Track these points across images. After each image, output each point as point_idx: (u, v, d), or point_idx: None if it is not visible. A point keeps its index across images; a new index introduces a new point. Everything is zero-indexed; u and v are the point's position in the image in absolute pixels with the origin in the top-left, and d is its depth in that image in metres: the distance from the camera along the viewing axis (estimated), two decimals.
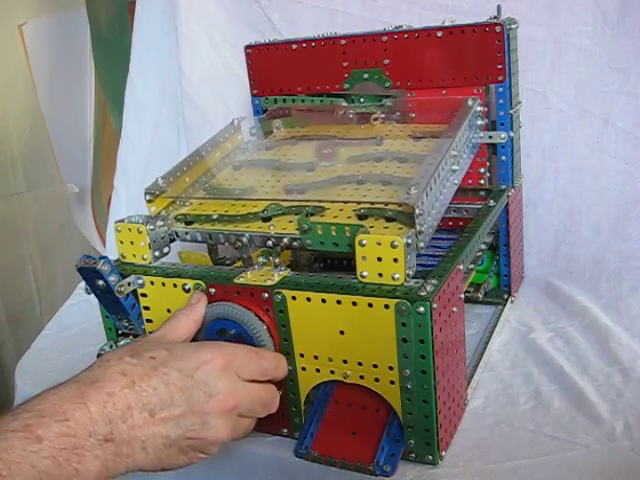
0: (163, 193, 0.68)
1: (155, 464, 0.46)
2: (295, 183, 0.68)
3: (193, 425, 0.47)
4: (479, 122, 0.74)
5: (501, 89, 0.74)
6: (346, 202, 0.61)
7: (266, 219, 0.64)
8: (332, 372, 0.56)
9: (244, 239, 0.62)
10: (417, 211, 0.54)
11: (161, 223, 0.65)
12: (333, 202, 0.61)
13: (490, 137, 0.76)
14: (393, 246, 0.52)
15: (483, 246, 0.77)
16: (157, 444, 0.45)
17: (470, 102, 0.73)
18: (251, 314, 0.56)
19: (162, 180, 0.69)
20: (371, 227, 0.56)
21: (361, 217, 0.59)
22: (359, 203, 0.61)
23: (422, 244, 0.55)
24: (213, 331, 0.57)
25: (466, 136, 0.70)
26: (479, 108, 0.73)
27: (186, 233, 0.66)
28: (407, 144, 0.73)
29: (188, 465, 0.49)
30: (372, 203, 0.60)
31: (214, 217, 0.66)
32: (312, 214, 0.61)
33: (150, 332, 0.63)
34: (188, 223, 0.67)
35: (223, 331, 0.57)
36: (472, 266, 0.72)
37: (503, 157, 0.78)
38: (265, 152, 0.79)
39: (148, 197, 0.68)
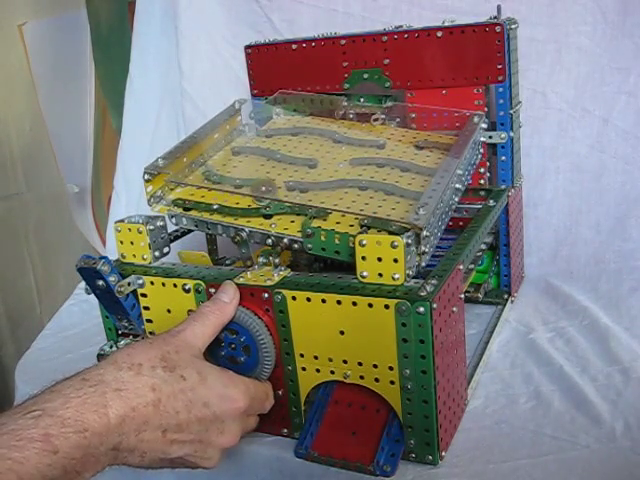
0: (162, 173, 0.67)
1: (142, 466, 0.47)
2: (296, 180, 0.68)
3: (195, 452, 0.49)
4: (481, 139, 0.74)
5: (501, 89, 0.75)
6: (350, 212, 0.60)
7: (267, 216, 0.63)
8: (332, 372, 0.56)
9: (244, 234, 0.62)
10: (425, 233, 0.54)
11: (157, 210, 0.64)
12: (337, 210, 0.61)
13: (490, 137, 0.77)
14: (393, 246, 0.52)
15: (483, 246, 0.77)
16: (155, 457, 0.46)
17: (476, 119, 0.73)
18: (251, 314, 0.56)
19: (162, 161, 0.68)
20: None
21: (364, 226, 0.58)
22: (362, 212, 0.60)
23: (424, 264, 0.56)
24: None
25: (470, 154, 0.70)
26: (484, 125, 0.74)
27: (184, 220, 0.66)
28: (409, 152, 0.73)
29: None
30: (376, 215, 0.59)
31: (214, 207, 0.65)
32: (315, 217, 0.61)
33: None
34: (187, 210, 0.66)
35: (232, 331, 0.56)
36: (472, 266, 0.72)
37: (503, 157, 0.78)
38: (265, 140, 0.79)
39: (146, 176, 0.67)
